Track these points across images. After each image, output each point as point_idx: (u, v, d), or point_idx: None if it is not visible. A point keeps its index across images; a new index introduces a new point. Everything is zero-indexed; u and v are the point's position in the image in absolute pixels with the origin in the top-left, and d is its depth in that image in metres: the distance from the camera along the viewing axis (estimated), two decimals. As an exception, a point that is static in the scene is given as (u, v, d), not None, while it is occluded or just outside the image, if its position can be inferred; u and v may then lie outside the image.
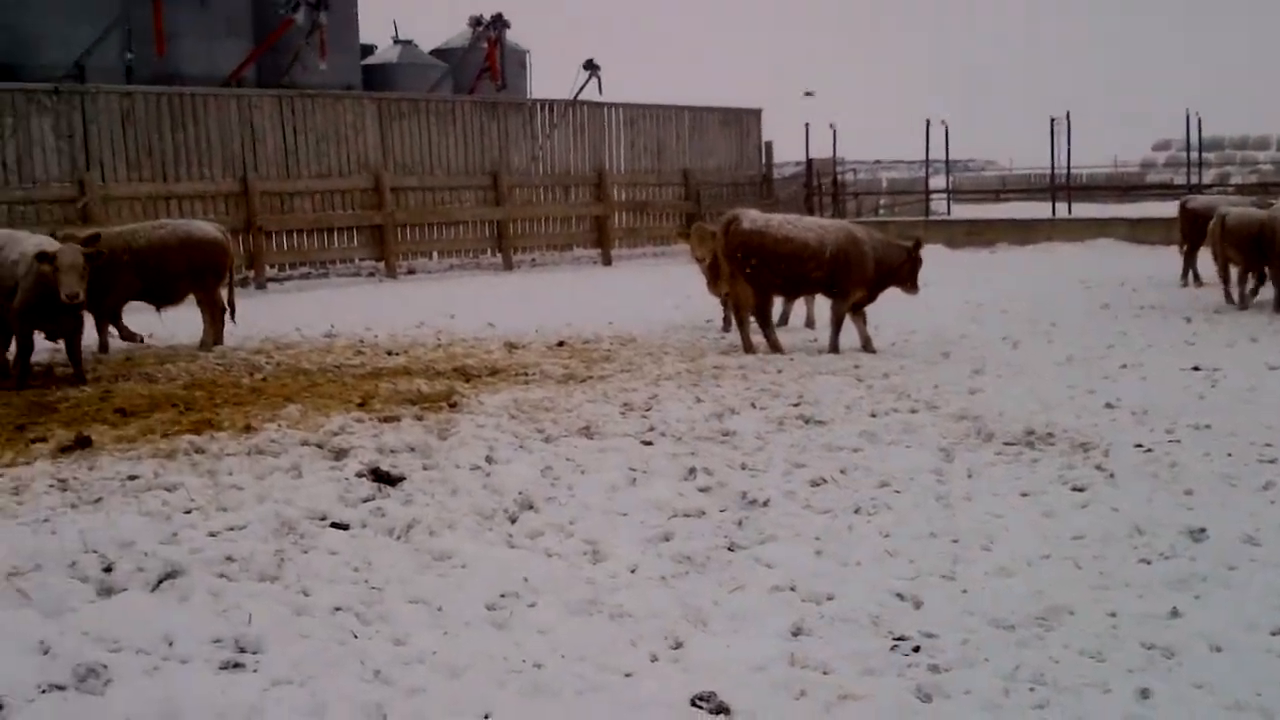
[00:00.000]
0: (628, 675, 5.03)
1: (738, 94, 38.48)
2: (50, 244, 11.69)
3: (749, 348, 13.10)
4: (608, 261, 27.34)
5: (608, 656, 5.19)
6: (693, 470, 8.00)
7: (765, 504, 7.30)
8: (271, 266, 22.25)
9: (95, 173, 20.08)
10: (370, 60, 34.16)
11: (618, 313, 16.80)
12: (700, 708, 4.70)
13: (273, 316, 16.84)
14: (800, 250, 12.95)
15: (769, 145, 32.11)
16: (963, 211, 34.67)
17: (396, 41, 34.22)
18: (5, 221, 17.44)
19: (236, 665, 5.09)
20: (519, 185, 26.51)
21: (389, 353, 13.44)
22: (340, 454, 8.36)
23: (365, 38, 33.73)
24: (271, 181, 22.40)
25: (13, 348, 11.86)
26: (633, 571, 6.26)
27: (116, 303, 13.59)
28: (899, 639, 5.34)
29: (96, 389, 11.15)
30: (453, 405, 10.07)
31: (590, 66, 30.56)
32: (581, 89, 29.93)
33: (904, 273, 13.31)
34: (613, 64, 31.54)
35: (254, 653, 5.20)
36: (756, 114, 32.21)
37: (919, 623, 5.51)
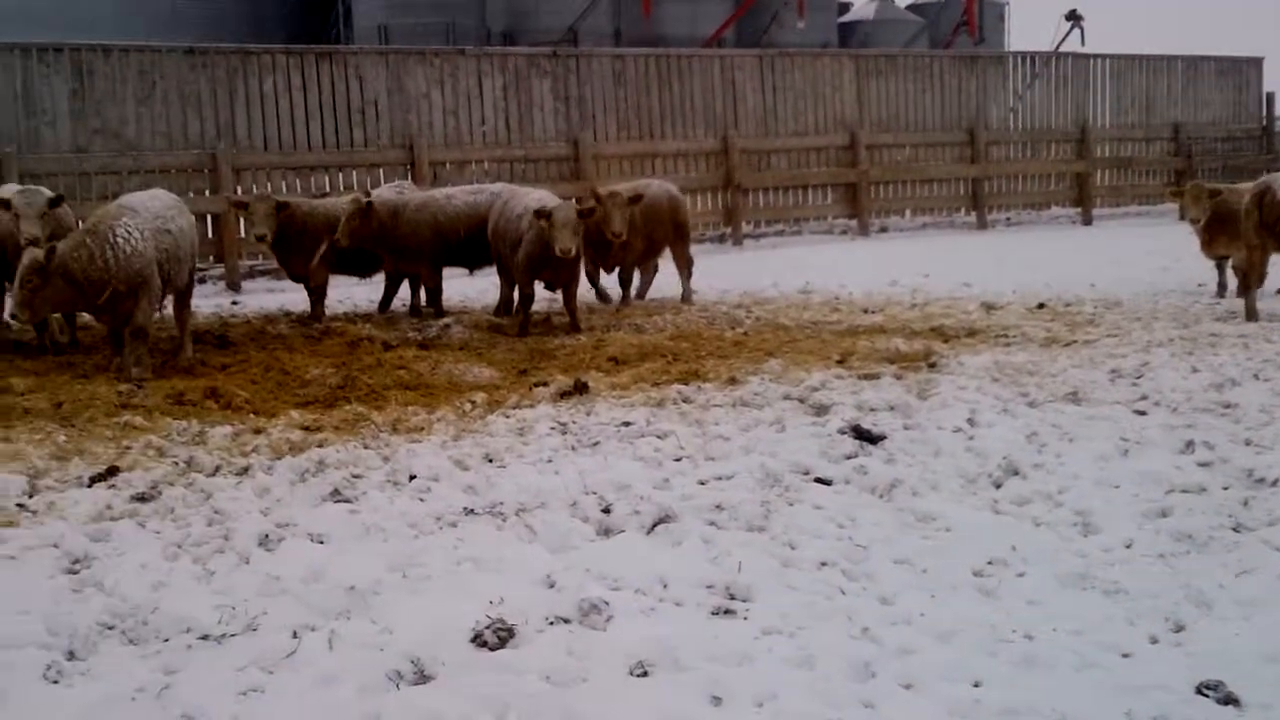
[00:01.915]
0: (1125, 655, 4.81)
1: (1234, 41, 35.93)
2: (550, 200, 12.43)
3: (1253, 314, 12.22)
4: (1088, 221, 26.18)
5: (1103, 634, 4.98)
6: (1190, 443, 7.54)
7: (1275, 484, 6.79)
8: (747, 223, 22.66)
9: (588, 132, 21.08)
10: (846, 18, 34.18)
11: (1100, 274, 16.08)
12: (1206, 696, 4.44)
13: (750, 272, 17.18)
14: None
15: (1270, 97, 29.76)
16: None
17: (873, -3, 34.08)
18: (508, 178, 18.62)
19: (727, 612, 5.23)
20: (995, 142, 25.81)
21: (865, 310, 13.44)
22: (821, 410, 8.44)
23: (843, -6, 33.82)
24: (750, 140, 22.79)
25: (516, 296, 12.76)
26: (1128, 547, 5.98)
27: (627, 261, 14.03)
28: None
29: (590, 338, 11.75)
30: (932, 365, 9.96)
31: (1073, 17, 29.34)
32: (1063, 40, 28.78)
33: None
34: (1097, 13, 30.15)
35: (744, 601, 5.34)
36: (1257, 63, 29.90)
37: None
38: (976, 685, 4.58)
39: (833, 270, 17.22)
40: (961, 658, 4.78)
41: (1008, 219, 25.76)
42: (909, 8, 34.33)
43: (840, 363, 10.11)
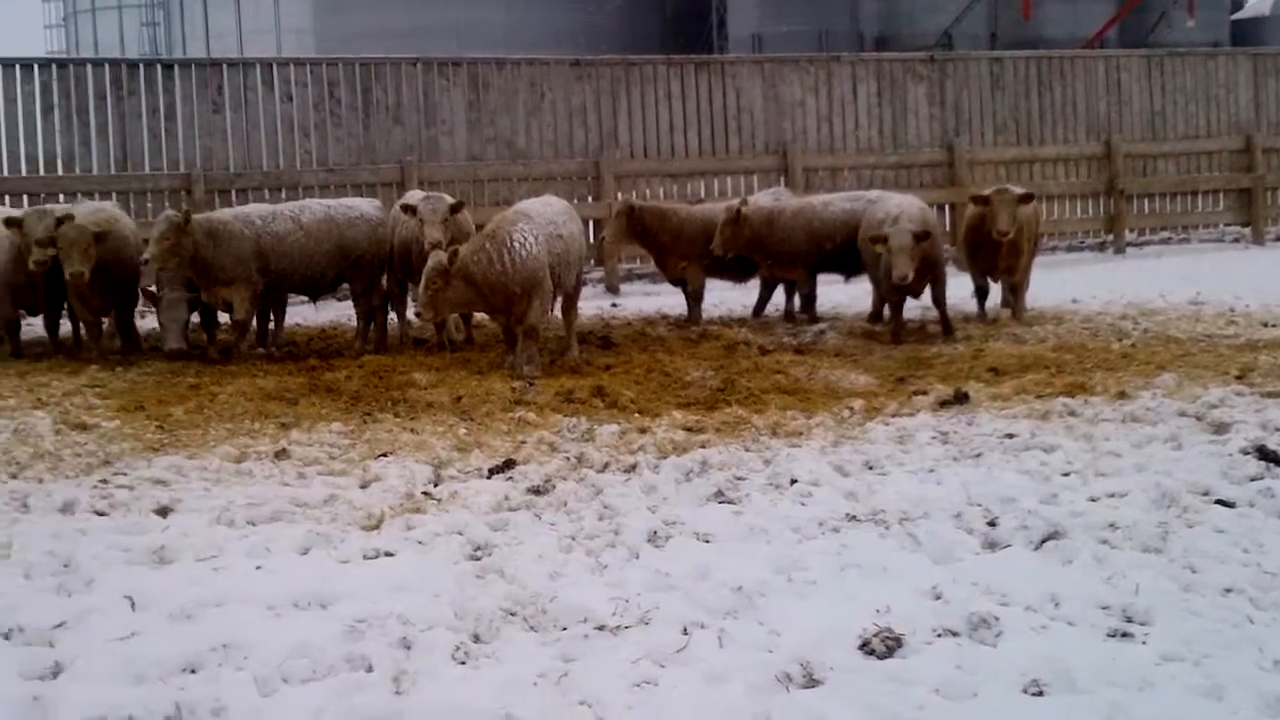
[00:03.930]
0: None
1: None
2: (909, 206, 12.35)
3: None
4: None
5: None
6: None
7: None
8: (1131, 231, 21.72)
9: (963, 138, 20.70)
10: (1239, 15, 32.38)
11: None
12: None
13: (1133, 282, 16.44)
14: None
15: None
16: None
17: (1272, -7, 32.13)
18: (880, 184, 18.45)
19: (1124, 634, 5.04)
20: None
21: (1264, 324, 12.59)
22: (1221, 428, 8.00)
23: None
24: (1135, 144, 21.84)
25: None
26: None
27: (1017, 266, 13.57)
28: None
29: (968, 347, 11.55)
30: (1344, 383, 9.29)
31: None
32: None
33: None
34: None
35: (1142, 624, 5.12)
36: None
37: None
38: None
39: (1225, 280, 16.24)
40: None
41: None
42: (1312, 2, 32.21)
43: (1240, 378, 9.54)
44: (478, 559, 6.06)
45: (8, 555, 6.10)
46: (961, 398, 9.01)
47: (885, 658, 4.84)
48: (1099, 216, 21.41)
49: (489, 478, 7.45)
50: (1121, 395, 9.02)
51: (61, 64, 17.87)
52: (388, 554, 6.14)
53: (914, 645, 4.93)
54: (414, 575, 5.78)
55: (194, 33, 38.09)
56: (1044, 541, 6.07)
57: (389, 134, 17.81)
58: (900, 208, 12.41)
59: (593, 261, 17.85)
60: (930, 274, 12.16)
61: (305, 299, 13.90)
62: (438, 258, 10.35)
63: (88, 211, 11.93)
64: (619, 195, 17.66)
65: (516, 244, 10.50)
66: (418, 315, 10.69)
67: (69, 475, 7.60)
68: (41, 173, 16.38)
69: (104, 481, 7.42)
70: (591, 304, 15.65)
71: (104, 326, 12.01)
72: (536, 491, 7.10)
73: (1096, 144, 21.50)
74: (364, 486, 7.33)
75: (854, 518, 6.51)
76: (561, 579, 5.72)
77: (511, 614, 5.36)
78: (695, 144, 19.43)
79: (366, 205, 12.64)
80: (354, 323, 12.96)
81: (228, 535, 6.40)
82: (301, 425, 8.84)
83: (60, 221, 11.21)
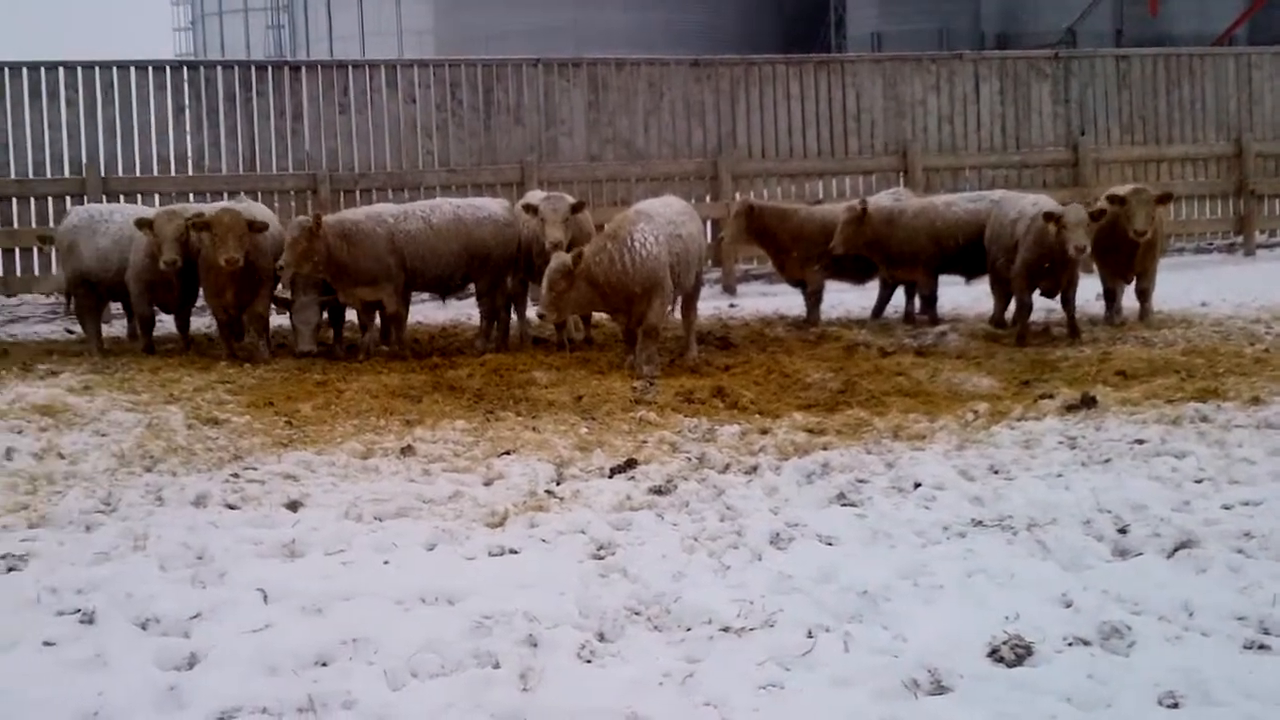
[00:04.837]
0: None
1: None
2: (1046, 204, 12.17)
3: None
4: None
5: None
6: None
7: None
8: (1261, 232, 21.17)
9: (1088, 137, 20.32)
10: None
11: None
12: None
13: (1265, 284, 15.99)
14: None
15: None
16: None
17: None
18: (1003, 184, 18.19)
19: (1261, 646, 4.93)
20: None
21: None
22: (1361, 436, 7.78)
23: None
24: (1268, 143, 21.27)
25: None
26: None
27: (1150, 268, 13.29)
28: None
29: (1095, 350, 11.32)
30: None
31: None
32: None
33: None
34: None
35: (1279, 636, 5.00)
36: None
37: None
38: None
39: (1363, 283, 15.76)
40: None
41: None
42: None
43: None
44: (601, 558, 6.09)
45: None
46: (1089, 402, 8.85)
47: (1015, 666, 4.78)
48: (1228, 217, 20.88)
49: (611, 477, 7.49)
50: (1255, 401, 8.80)
51: (193, 66, 18.30)
52: (512, 551, 6.20)
53: (1044, 654, 4.86)
54: (539, 573, 5.83)
55: (317, 35, 38.80)
56: (1176, 550, 5.94)
57: (509, 134, 17.93)
58: (1036, 205, 12.26)
59: (710, 262, 17.85)
60: (1065, 274, 11.96)
61: (428, 297, 14.05)
62: (561, 259, 10.41)
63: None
64: (737, 195, 17.58)
65: (637, 244, 10.52)
66: (540, 315, 10.75)
67: (201, 469, 7.80)
68: (172, 173, 16.75)
69: (235, 476, 7.60)
70: (709, 304, 15.62)
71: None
72: (658, 491, 7.12)
73: (1226, 143, 20.98)
74: (487, 484, 7.41)
75: (980, 523, 6.44)
76: (684, 579, 5.73)
77: (636, 613, 5.39)
78: (814, 144, 19.28)
79: (495, 205, 12.72)
80: (474, 321, 13.08)
81: (356, 530, 6.51)
82: (425, 422, 8.95)
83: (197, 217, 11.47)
